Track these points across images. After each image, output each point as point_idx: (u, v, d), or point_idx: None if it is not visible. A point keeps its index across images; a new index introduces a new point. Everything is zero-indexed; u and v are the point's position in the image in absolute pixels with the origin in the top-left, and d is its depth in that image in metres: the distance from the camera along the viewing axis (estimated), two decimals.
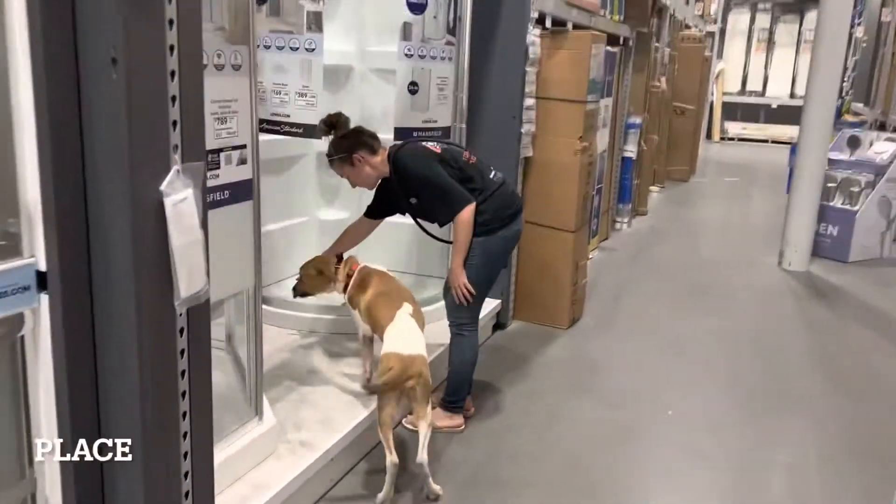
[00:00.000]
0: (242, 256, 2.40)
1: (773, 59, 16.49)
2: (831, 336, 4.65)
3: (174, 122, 1.72)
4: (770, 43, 16.55)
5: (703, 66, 10.52)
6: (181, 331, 1.83)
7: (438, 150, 3.00)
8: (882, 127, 9.10)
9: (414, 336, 2.82)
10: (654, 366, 4.00)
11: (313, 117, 3.51)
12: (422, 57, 3.62)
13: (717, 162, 13.29)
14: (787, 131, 15.72)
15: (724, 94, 16.36)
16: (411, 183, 2.99)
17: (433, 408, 2.95)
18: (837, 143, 6.84)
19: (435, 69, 3.69)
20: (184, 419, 1.88)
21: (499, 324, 4.34)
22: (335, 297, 3.87)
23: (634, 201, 7.59)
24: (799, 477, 2.99)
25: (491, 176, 3.04)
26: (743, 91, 16.76)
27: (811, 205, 6.01)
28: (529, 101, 4.14)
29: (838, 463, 3.10)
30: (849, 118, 8.64)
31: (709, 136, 15.91)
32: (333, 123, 3.04)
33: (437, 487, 2.70)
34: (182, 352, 1.84)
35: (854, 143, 6.78)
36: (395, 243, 4.50)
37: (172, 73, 1.69)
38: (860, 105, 9.60)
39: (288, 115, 3.56)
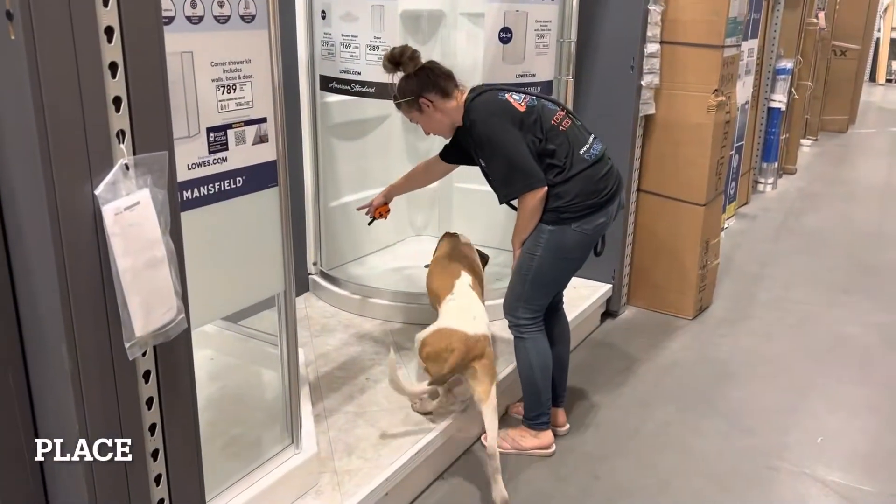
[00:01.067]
0: (267, 255, 1.94)
1: None
2: None
3: (116, 100, 1.24)
4: None
5: None
6: (146, 375, 1.39)
7: (522, 108, 2.37)
8: None
9: (476, 311, 2.52)
10: (801, 374, 3.25)
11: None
12: None
13: (882, 109, 11.66)
14: None
15: (894, 28, 14.36)
16: (477, 141, 2.42)
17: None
18: None
19: (533, 12, 3.06)
20: (157, 484, 1.46)
21: (609, 312, 3.72)
22: (419, 283, 3.41)
23: (781, 159, 6.61)
24: None
25: (582, 151, 2.39)
26: None
27: None
28: (652, 47, 3.41)
29: None
30: None
31: (872, 78, 14.09)
32: (398, 60, 2.47)
33: (505, 492, 2.30)
34: (150, 401, 1.41)
35: None
36: (478, 213, 3.94)
37: (109, 31, 1.21)
38: None
39: (359, 73, 3.07)
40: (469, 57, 3.69)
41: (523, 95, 2.45)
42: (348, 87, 3.10)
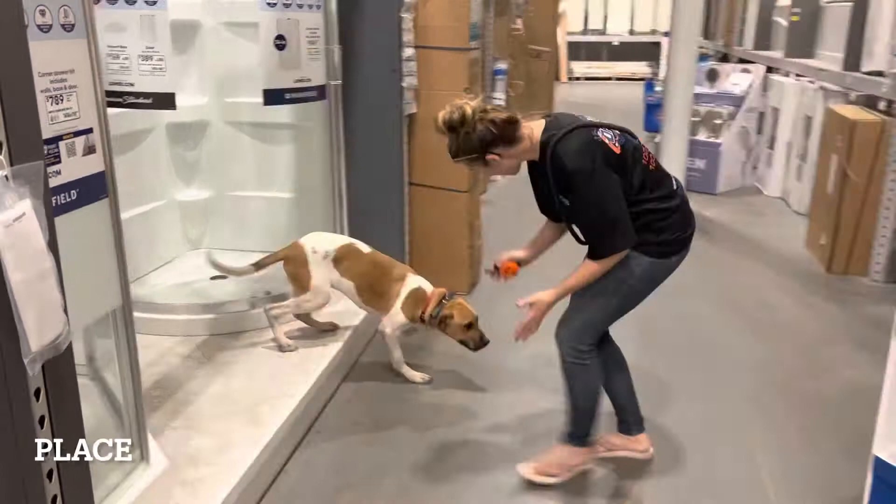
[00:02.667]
0: (103, 270, 1.89)
1: None
2: (725, 274, 4.67)
3: None
4: None
5: (554, 6, 10.43)
6: (37, 393, 1.35)
7: (618, 150, 2.17)
8: (724, 59, 9.41)
9: None
10: None
11: (164, 84, 2.96)
12: (287, 6, 3.12)
13: (571, 103, 13.39)
14: (630, 68, 16.27)
15: (568, 33, 16.54)
16: (566, 186, 2.21)
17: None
18: (697, 76, 6.92)
19: (303, 20, 3.21)
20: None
21: None
22: (211, 293, 3.42)
23: None
24: (734, 428, 2.90)
25: (675, 186, 2.32)
26: (585, 30, 17.04)
27: (682, 140, 6.01)
28: (409, 52, 3.73)
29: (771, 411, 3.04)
30: None
31: (556, 77, 16.08)
32: (456, 126, 2.23)
33: None
34: (42, 420, 1.36)
35: (713, 76, 6.90)
36: (265, 219, 4.01)
37: None
38: (700, 38, 9.84)
39: (132, 84, 2.97)
40: (232, 65, 3.73)
41: (614, 133, 2.23)
42: (121, 100, 2.98)
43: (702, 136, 6.68)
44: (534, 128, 2.26)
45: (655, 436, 2.71)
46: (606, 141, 2.18)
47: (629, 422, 2.62)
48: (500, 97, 6.71)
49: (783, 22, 6.92)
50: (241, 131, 3.90)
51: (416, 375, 3.18)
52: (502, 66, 6.67)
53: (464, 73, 3.84)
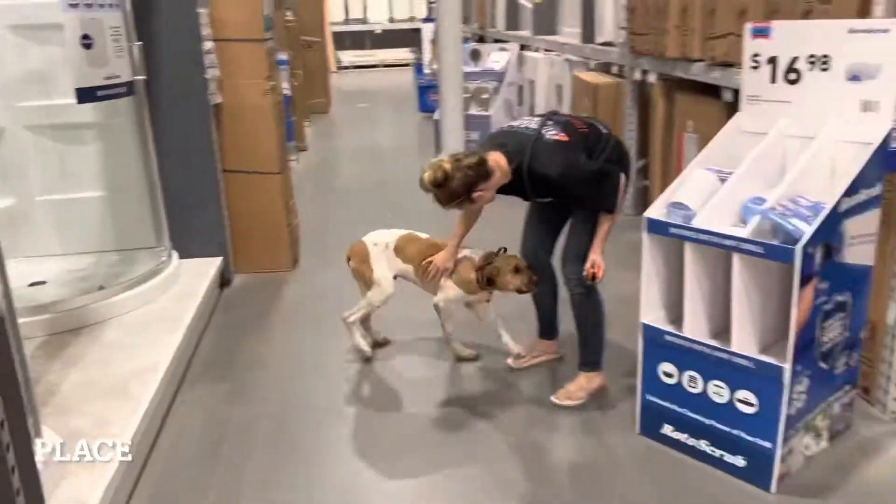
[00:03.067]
0: None
1: None
2: (508, 228, 5.35)
3: None
4: None
5: None
6: None
7: (566, 137, 2.60)
8: (482, 40, 10.34)
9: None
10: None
11: None
12: (88, 6, 3.22)
13: (344, 91, 13.84)
14: (394, 54, 17.01)
15: (332, 23, 16.91)
16: (561, 186, 2.63)
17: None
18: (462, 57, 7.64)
19: (106, 18, 3.31)
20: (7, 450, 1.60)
21: (224, 281, 4.19)
22: (37, 297, 3.44)
23: (296, 138, 7.66)
24: None
25: (603, 130, 2.74)
26: (347, 19, 17.52)
27: (458, 116, 6.69)
28: (208, 45, 3.93)
29: None
30: None
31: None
32: (441, 183, 2.56)
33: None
34: None
35: (476, 55, 7.66)
36: (81, 220, 4.01)
37: None
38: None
39: None
40: (23, 69, 3.70)
41: (554, 126, 2.64)
42: None
43: (473, 111, 7.40)
44: (496, 158, 2.62)
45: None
46: (558, 137, 2.60)
47: (553, 329, 3.20)
48: (285, 87, 6.95)
49: (528, 4, 7.85)
50: (41, 135, 3.85)
51: (465, 351, 3.25)
52: (284, 56, 6.92)
53: (263, 63, 4.11)
